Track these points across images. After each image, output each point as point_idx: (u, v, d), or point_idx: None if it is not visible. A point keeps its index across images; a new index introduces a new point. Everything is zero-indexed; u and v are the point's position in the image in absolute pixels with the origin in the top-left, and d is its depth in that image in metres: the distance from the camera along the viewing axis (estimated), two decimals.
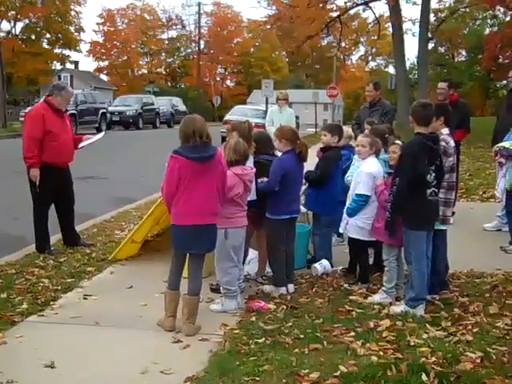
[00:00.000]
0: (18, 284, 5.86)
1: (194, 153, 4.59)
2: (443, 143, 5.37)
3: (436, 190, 5.12)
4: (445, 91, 8.61)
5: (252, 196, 5.53)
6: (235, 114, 22.42)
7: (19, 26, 57.98)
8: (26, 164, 6.89)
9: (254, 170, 5.40)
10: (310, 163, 6.34)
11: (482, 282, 6.00)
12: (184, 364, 4.17)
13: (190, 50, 78.25)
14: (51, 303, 5.40)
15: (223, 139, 17.79)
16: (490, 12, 47.98)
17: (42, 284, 5.89)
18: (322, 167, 6.38)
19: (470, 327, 4.72)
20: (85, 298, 5.58)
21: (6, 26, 55.64)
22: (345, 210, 5.93)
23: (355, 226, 5.80)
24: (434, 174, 5.05)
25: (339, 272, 6.32)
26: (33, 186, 6.92)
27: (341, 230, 6.19)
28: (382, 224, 5.37)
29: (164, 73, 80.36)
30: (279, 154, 6.13)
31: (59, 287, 5.82)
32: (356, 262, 6.15)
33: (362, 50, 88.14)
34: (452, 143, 5.51)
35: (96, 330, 4.84)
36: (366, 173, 5.74)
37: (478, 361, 4.05)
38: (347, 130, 7.59)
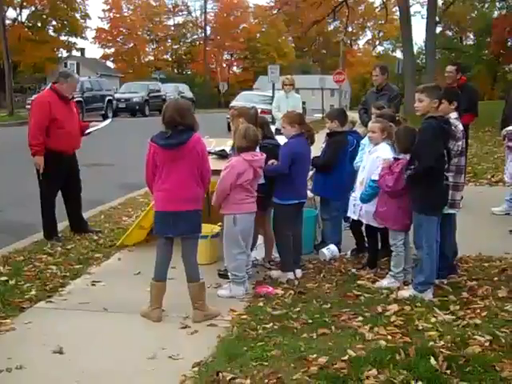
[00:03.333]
0: (27, 271, 5.89)
1: (163, 139, 4.61)
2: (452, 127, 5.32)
3: (447, 175, 5.08)
4: (452, 75, 8.54)
5: (261, 180, 5.50)
6: (241, 100, 22.19)
7: (25, 13, 58.07)
8: (30, 151, 6.88)
9: (264, 156, 5.38)
10: (318, 146, 6.31)
11: (491, 265, 5.98)
12: (192, 349, 4.18)
13: (196, 37, 78.08)
14: (59, 289, 5.43)
15: (229, 125, 17.68)
16: None
17: (50, 271, 5.91)
18: (327, 153, 6.38)
19: (478, 311, 4.70)
20: (93, 285, 5.61)
21: (12, 13, 55.64)
22: (358, 196, 5.82)
23: (369, 213, 5.73)
24: (446, 158, 5.01)
25: (349, 255, 6.32)
26: (37, 173, 6.92)
27: (354, 217, 6.03)
28: (386, 208, 5.34)
29: (170, 59, 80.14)
30: (279, 138, 6.12)
31: (67, 274, 5.85)
32: (362, 243, 6.20)
33: (368, 34, 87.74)
34: (460, 127, 5.44)
35: (104, 315, 4.86)
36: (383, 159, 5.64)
37: (487, 344, 4.04)
38: (350, 115, 7.51)
